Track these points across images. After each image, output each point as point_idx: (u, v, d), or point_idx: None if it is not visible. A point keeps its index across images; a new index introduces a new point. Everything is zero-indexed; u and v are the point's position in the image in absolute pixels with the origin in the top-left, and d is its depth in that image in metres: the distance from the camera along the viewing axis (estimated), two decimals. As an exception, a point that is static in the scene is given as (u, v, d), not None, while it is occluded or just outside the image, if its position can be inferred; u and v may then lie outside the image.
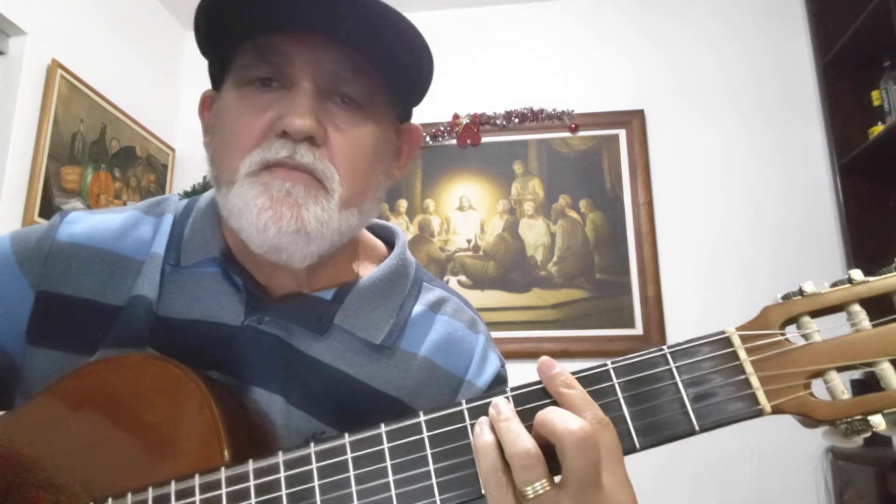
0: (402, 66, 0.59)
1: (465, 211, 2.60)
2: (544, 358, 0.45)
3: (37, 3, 2.04)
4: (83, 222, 0.65)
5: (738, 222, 2.43)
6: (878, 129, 2.17)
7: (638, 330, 2.36)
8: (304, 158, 0.55)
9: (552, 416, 0.42)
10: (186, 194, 2.30)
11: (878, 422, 0.38)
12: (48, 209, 2.02)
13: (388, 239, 0.74)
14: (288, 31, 0.56)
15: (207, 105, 0.66)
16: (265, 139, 0.56)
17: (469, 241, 2.56)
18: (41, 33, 2.04)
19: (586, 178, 2.55)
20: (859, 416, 0.39)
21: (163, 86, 2.72)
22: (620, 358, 0.45)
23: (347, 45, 0.56)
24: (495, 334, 2.49)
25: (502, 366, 0.70)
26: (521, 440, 0.41)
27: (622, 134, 2.56)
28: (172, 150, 2.71)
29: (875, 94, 2.24)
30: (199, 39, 0.60)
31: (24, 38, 1.99)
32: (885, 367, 0.40)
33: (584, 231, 2.50)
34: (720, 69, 2.57)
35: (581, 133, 2.59)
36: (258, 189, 0.55)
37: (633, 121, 2.56)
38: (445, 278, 2.53)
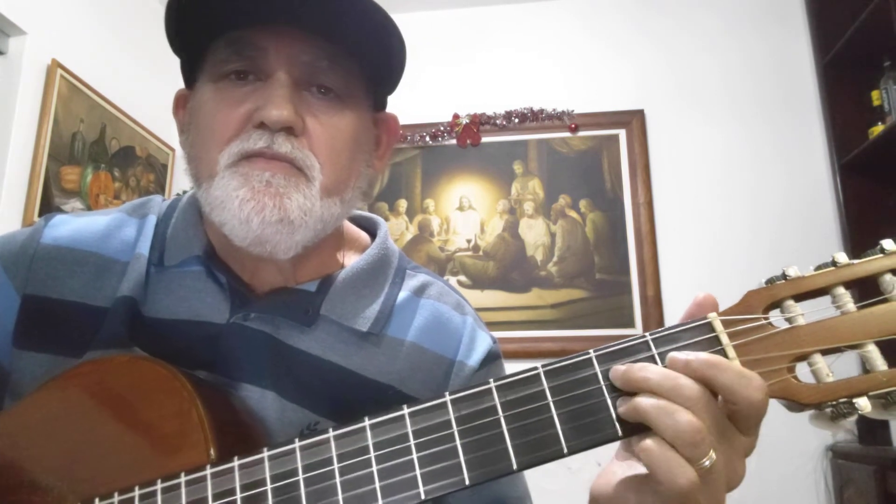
0: (375, 55, 0.59)
1: (465, 211, 2.60)
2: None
3: (37, 3, 2.04)
4: (67, 225, 0.65)
5: (738, 222, 2.42)
6: (878, 129, 2.17)
7: (638, 330, 2.36)
8: (281, 148, 0.55)
9: (735, 379, 0.40)
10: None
11: (863, 404, 0.37)
12: (48, 209, 2.02)
13: (372, 229, 0.74)
14: (261, 25, 0.56)
15: (181, 104, 0.66)
16: (243, 131, 0.56)
17: (469, 241, 2.56)
18: (41, 33, 2.05)
19: (586, 178, 2.55)
20: (844, 399, 0.38)
21: (163, 86, 2.71)
22: (603, 346, 0.45)
23: (321, 35, 0.56)
24: (495, 334, 2.47)
25: (494, 343, 0.70)
26: (683, 416, 0.39)
27: (622, 134, 2.56)
28: (172, 149, 2.72)
29: (875, 94, 2.24)
30: (169, 37, 0.60)
31: (24, 38, 2.00)
32: (870, 350, 0.39)
33: (584, 231, 2.50)
34: (720, 69, 2.57)
35: (581, 133, 2.59)
36: (238, 180, 0.55)
37: (633, 121, 2.56)
38: (445, 278, 2.52)
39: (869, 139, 2.20)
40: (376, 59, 0.59)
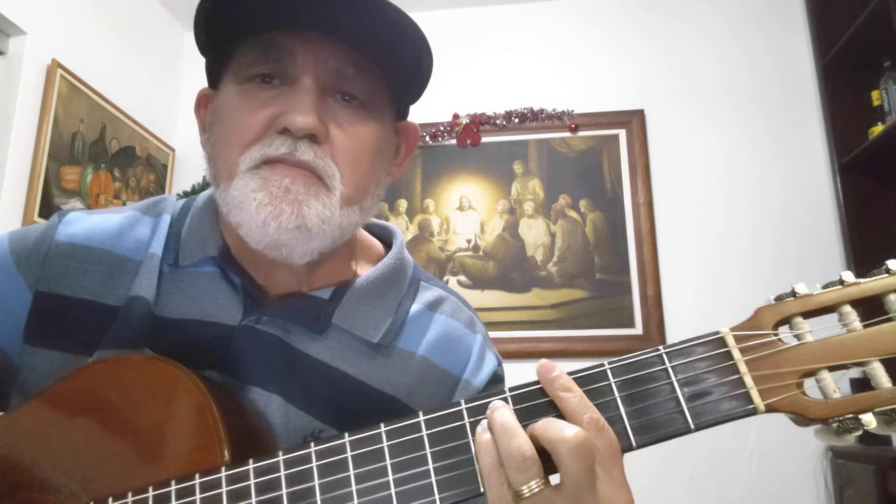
0: (402, 65, 0.59)
1: (465, 211, 2.60)
2: (543, 361, 0.46)
3: (37, 3, 2.04)
4: (81, 222, 0.65)
5: (738, 222, 2.43)
6: (878, 129, 2.18)
7: (638, 330, 2.36)
8: (304, 156, 0.55)
9: (548, 426, 0.43)
10: (186, 194, 2.30)
11: (868, 420, 0.38)
12: (48, 209, 2.02)
13: (386, 239, 0.74)
14: (290, 29, 0.56)
15: (204, 103, 0.66)
16: (265, 135, 0.56)
17: (469, 241, 2.57)
18: (41, 33, 2.05)
19: (586, 178, 2.55)
20: (850, 415, 0.39)
21: (163, 86, 2.72)
22: (617, 358, 0.45)
23: (349, 43, 0.56)
24: (495, 334, 2.49)
25: (499, 364, 0.70)
26: (516, 442, 0.42)
27: (622, 134, 2.56)
28: (172, 150, 2.72)
29: (875, 94, 2.24)
30: (198, 36, 0.60)
31: (24, 38, 2.00)
32: (875, 367, 0.40)
33: (584, 231, 2.51)
34: (720, 69, 2.58)
35: (581, 133, 2.59)
36: (257, 183, 0.55)
37: (633, 121, 2.56)
38: (445, 278, 2.53)
39: (869, 139, 2.21)
40: (404, 69, 0.59)
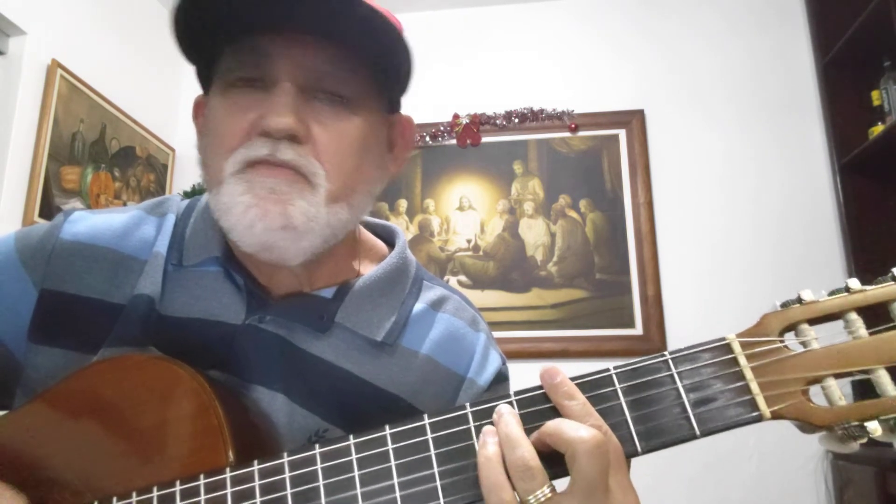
0: (381, 57, 0.59)
1: (465, 211, 2.60)
2: (548, 366, 0.46)
3: (37, 3, 2.04)
4: (87, 221, 0.65)
5: (739, 222, 2.43)
6: (878, 129, 2.18)
7: (638, 330, 2.36)
8: (284, 155, 0.55)
9: (563, 426, 0.43)
10: (186, 194, 2.30)
11: (874, 428, 0.39)
12: (48, 209, 2.02)
13: (389, 239, 0.75)
14: (268, 31, 0.56)
15: (199, 110, 0.66)
16: (248, 139, 0.56)
17: (469, 241, 2.57)
18: (41, 33, 2.04)
19: (586, 178, 2.55)
20: (856, 422, 0.40)
21: (163, 86, 2.72)
22: (622, 363, 0.45)
23: (323, 38, 0.56)
24: (495, 334, 2.47)
25: (503, 363, 0.71)
26: (520, 451, 0.42)
27: (622, 134, 2.57)
28: (172, 150, 2.72)
29: (875, 94, 2.24)
30: (179, 44, 0.59)
31: (24, 38, 1.99)
32: (880, 374, 0.40)
33: (584, 231, 2.51)
34: (720, 69, 2.58)
35: (581, 133, 2.59)
36: (242, 186, 0.55)
37: (633, 121, 2.56)
38: (445, 278, 2.53)
39: (869, 139, 2.21)
40: (381, 61, 0.59)
